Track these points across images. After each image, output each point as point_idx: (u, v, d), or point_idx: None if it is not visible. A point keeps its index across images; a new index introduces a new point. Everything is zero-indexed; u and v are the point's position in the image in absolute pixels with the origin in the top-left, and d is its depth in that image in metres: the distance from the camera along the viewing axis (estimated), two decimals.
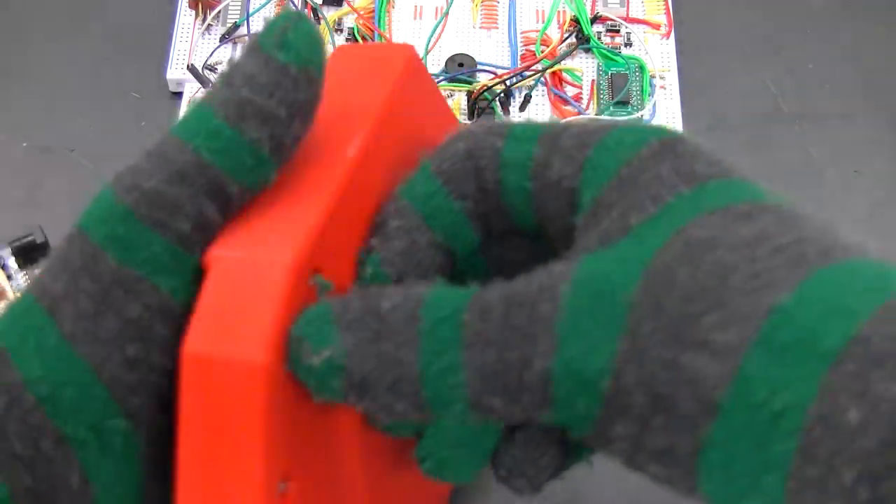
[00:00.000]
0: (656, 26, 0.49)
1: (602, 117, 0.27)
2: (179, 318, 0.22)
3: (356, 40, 0.47)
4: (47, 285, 0.22)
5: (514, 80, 0.46)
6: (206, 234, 0.22)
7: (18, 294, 0.24)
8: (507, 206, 0.25)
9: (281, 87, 0.22)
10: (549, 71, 0.46)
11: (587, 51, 0.48)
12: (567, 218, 0.24)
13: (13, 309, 0.22)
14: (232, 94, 0.22)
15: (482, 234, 0.26)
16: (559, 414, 0.21)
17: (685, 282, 0.20)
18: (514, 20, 0.49)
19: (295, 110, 0.22)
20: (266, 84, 0.22)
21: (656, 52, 0.48)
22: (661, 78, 0.47)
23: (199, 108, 0.23)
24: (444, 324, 0.21)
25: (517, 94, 0.46)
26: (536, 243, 0.26)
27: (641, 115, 0.45)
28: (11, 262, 0.41)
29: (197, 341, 0.21)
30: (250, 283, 0.21)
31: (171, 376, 0.22)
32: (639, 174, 0.22)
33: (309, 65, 0.22)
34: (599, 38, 0.48)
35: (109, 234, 0.22)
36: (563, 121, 0.25)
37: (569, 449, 0.25)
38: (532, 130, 0.25)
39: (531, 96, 0.46)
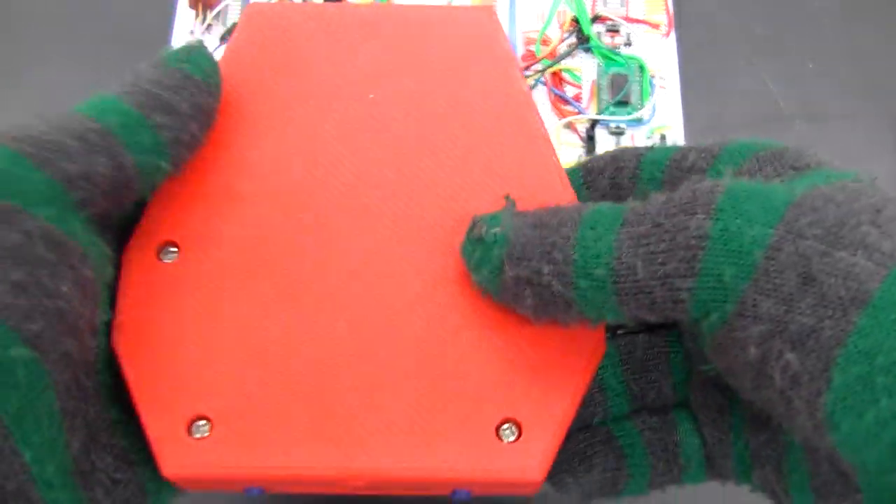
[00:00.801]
0: (656, 26, 0.49)
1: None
2: (65, 245, 0.22)
3: None
4: None
5: None
6: (92, 188, 0.23)
7: None
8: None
9: (185, 89, 0.25)
10: (549, 71, 0.46)
11: (587, 51, 0.48)
12: None
13: None
14: (139, 89, 0.24)
15: None
16: (704, 285, 0.21)
17: (842, 204, 0.21)
18: (514, 20, 0.49)
19: (197, 111, 0.25)
20: (172, 85, 0.25)
21: (656, 52, 0.48)
22: (662, 78, 0.47)
23: (100, 97, 0.24)
24: (607, 211, 0.23)
25: None
26: None
27: (641, 116, 0.45)
28: None
29: None
30: None
31: (68, 299, 0.22)
32: (778, 156, 0.24)
33: (209, 78, 0.26)
34: (599, 38, 0.48)
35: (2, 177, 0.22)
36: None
37: (624, 462, 0.26)
38: (668, 148, 0.27)
39: None
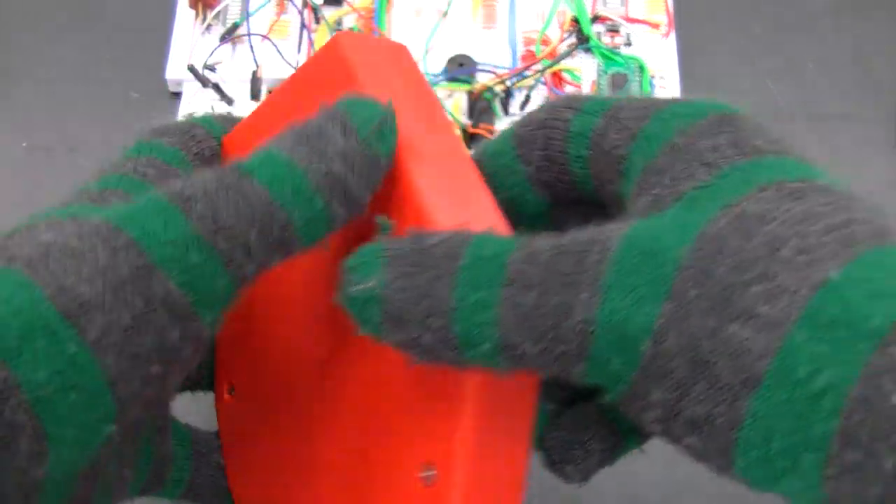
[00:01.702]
0: (656, 26, 0.49)
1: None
2: (203, 344, 0.22)
3: None
4: (65, 284, 0.21)
5: (514, 80, 0.46)
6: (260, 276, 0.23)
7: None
8: (571, 175, 0.26)
9: (372, 177, 0.23)
10: (549, 71, 0.46)
11: (587, 51, 0.48)
12: (617, 185, 0.24)
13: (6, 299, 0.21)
14: (325, 166, 0.22)
15: (548, 202, 0.26)
16: (593, 370, 0.21)
17: (735, 251, 0.20)
18: (514, 20, 0.49)
19: (371, 197, 0.23)
20: (361, 168, 0.23)
21: (656, 53, 0.48)
22: (661, 78, 0.47)
23: (288, 166, 0.22)
24: (486, 263, 0.21)
25: (517, 94, 0.46)
26: (604, 213, 0.26)
27: None
28: None
29: None
30: None
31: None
32: (694, 142, 0.23)
33: (389, 158, 0.24)
34: (599, 38, 0.48)
35: (176, 257, 0.21)
36: (635, 97, 0.26)
37: (618, 434, 0.25)
38: (601, 105, 0.25)
39: (531, 96, 0.46)
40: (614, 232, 0.21)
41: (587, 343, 0.20)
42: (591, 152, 0.25)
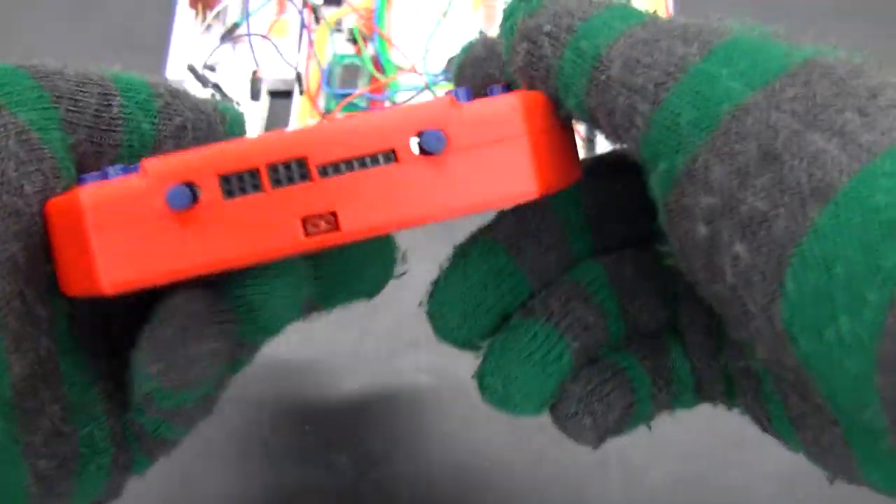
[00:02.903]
0: None
1: None
2: (39, 150, 0.23)
3: (356, 41, 0.47)
4: None
5: None
6: (77, 112, 0.24)
7: None
8: None
9: (209, 117, 0.26)
10: None
11: None
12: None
13: None
14: (169, 89, 0.25)
15: None
16: (659, 120, 0.20)
17: (839, 80, 0.19)
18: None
19: (202, 129, 0.26)
20: (204, 105, 0.26)
21: None
22: None
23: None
24: (632, 12, 0.22)
25: None
26: None
27: None
28: None
29: None
30: None
31: (28, 202, 0.22)
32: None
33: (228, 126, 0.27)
34: None
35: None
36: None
37: (635, 393, 0.25)
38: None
39: None
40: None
41: (669, 85, 0.20)
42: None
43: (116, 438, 0.25)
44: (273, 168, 0.21)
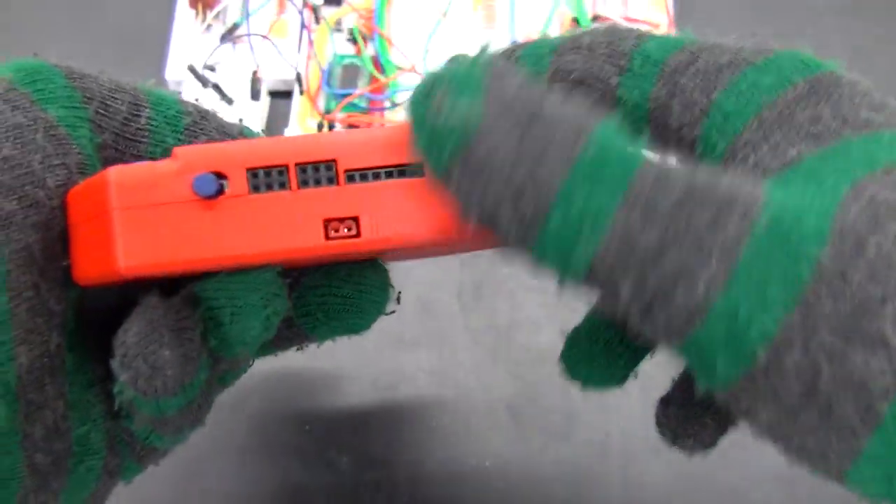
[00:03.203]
0: (656, 26, 0.49)
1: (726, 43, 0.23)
2: (67, 144, 0.23)
3: (356, 41, 0.47)
4: None
5: None
6: (107, 115, 0.25)
7: None
8: None
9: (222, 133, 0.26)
10: None
11: None
12: (686, 146, 0.22)
13: None
14: (200, 110, 0.26)
15: None
16: (690, 353, 0.18)
17: (872, 256, 0.17)
18: (514, 20, 0.48)
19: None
20: (225, 125, 0.27)
21: None
22: None
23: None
24: (610, 165, 0.17)
25: None
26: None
27: None
28: None
29: None
30: None
31: (50, 195, 0.22)
32: (788, 118, 0.20)
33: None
34: None
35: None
36: (690, 42, 0.22)
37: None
38: (654, 63, 0.22)
39: None
40: (756, 197, 0.18)
41: (695, 322, 0.18)
42: (651, 127, 0.22)
43: (110, 442, 0.25)
44: (302, 168, 0.21)
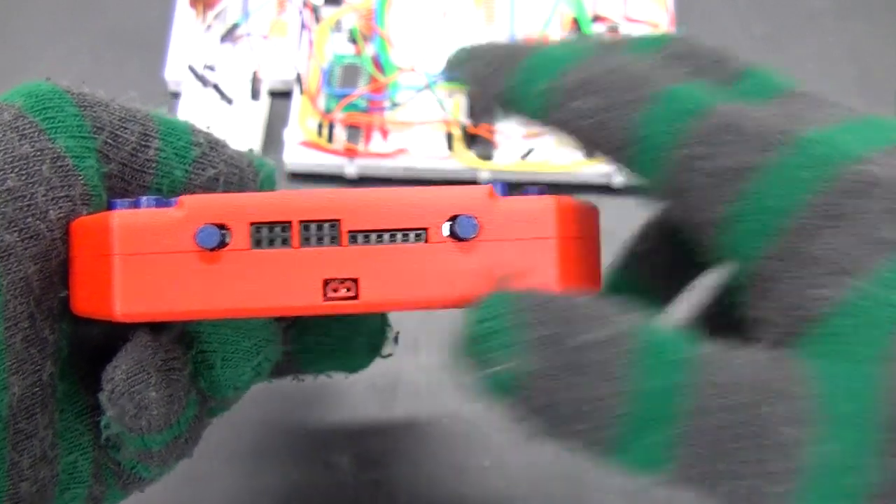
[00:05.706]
0: (656, 26, 0.49)
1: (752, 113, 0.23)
2: (72, 176, 0.23)
3: (356, 41, 0.47)
4: None
5: None
6: (115, 146, 0.24)
7: None
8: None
9: (244, 174, 0.26)
10: None
11: None
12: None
13: None
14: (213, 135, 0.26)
15: None
16: None
17: None
18: (514, 20, 0.48)
19: (233, 185, 0.26)
20: (239, 158, 0.27)
21: None
22: None
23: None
24: (666, 372, 0.18)
25: None
26: None
27: None
28: None
29: None
30: None
31: (51, 227, 0.23)
32: (813, 239, 0.20)
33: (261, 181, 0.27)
34: None
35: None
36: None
37: None
38: (680, 116, 0.21)
39: None
40: (811, 386, 0.18)
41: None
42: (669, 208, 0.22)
43: (97, 470, 0.25)
44: (305, 225, 0.21)
